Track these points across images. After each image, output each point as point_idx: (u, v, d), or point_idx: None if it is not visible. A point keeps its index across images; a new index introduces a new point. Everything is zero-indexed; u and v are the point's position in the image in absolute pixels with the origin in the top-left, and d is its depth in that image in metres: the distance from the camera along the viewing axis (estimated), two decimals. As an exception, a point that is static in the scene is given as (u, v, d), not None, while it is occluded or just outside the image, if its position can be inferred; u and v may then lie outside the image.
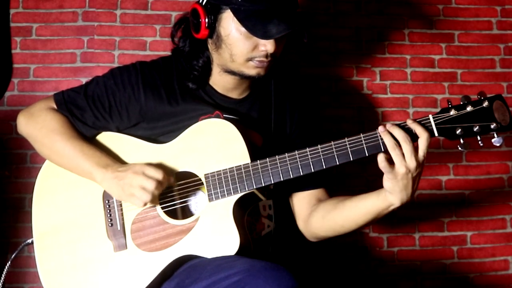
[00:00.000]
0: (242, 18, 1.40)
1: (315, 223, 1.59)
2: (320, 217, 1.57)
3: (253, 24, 1.39)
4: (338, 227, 1.53)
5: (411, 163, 1.29)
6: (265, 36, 1.39)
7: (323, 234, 1.59)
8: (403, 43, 2.33)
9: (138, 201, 1.41)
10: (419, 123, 1.33)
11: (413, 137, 1.32)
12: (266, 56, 1.46)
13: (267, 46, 1.43)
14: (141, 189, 1.40)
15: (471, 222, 2.28)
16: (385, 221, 2.23)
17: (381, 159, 1.31)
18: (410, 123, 1.33)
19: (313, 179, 1.61)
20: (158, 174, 1.42)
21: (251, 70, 1.50)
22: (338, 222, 1.52)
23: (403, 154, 1.29)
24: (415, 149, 1.30)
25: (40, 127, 1.56)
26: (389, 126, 1.32)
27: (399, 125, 1.32)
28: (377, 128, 1.34)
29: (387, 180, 1.33)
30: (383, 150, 1.34)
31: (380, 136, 1.34)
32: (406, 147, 1.29)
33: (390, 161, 1.31)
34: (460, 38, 2.35)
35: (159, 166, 1.48)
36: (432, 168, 2.28)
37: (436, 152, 2.28)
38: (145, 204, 1.43)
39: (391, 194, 1.35)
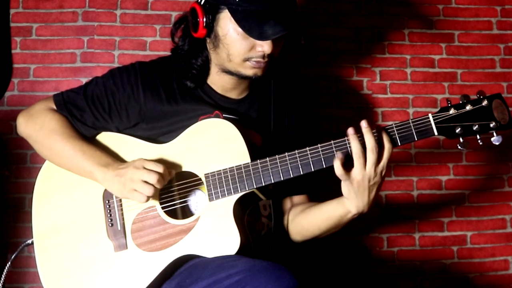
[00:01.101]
0: (239, 18, 1.40)
1: (288, 226, 1.66)
2: (290, 220, 1.65)
3: (250, 25, 1.39)
4: (304, 231, 1.60)
5: (370, 171, 1.32)
6: (261, 37, 1.39)
7: (295, 237, 1.65)
8: (403, 43, 2.33)
9: (140, 196, 1.41)
10: (386, 132, 1.34)
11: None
12: (263, 56, 1.46)
13: (264, 46, 1.43)
14: (143, 183, 1.40)
15: (471, 222, 2.28)
16: (385, 221, 2.24)
17: (337, 166, 1.32)
18: (378, 131, 1.34)
19: (296, 186, 1.66)
20: (159, 168, 1.42)
21: (248, 70, 1.50)
22: (303, 226, 1.59)
23: (365, 163, 1.31)
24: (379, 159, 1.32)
25: (40, 127, 1.56)
26: (364, 128, 1.31)
27: (371, 132, 1.32)
28: (348, 131, 1.34)
29: (343, 185, 1.37)
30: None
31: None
32: (371, 157, 1.31)
33: (345, 166, 1.33)
34: (460, 38, 2.35)
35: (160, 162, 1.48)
36: (432, 168, 2.28)
37: (436, 152, 2.28)
38: (148, 199, 1.42)
39: (347, 200, 1.39)
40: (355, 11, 2.33)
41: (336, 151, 1.38)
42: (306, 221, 1.57)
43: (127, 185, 1.42)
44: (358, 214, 1.41)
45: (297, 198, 1.70)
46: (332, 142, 1.38)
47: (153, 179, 1.40)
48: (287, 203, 1.70)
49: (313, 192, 1.71)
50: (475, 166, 2.30)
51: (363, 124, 1.32)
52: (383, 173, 1.34)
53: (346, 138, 1.37)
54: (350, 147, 1.35)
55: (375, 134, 1.32)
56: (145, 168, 1.42)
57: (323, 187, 1.74)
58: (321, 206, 1.52)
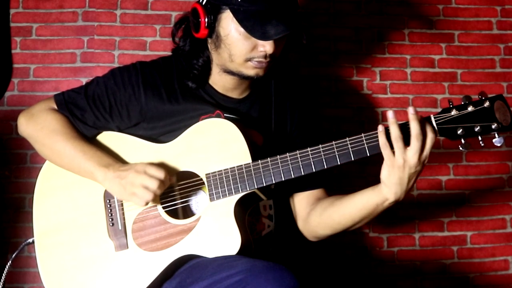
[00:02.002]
0: (241, 18, 1.40)
1: (313, 222, 1.59)
2: (318, 215, 1.57)
3: (252, 25, 1.39)
4: (335, 224, 1.53)
5: (413, 159, 1.29)
6: (263, 37, 1.39)
7: (322, 232, 1.59)
8: (403, 43, 2.33)
9: (139, 200, 1.41)
10: (429, 122, 1.32)
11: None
12: (265, 56, 1.46)
13: (266, 47, 1.43)
14: (143, 188, 1.40)
15: (471, 222, 2.28)
16: (385, 221, 2.24)
17: (382, 140, 1.31)
18: (421, 121, 1.31)
19: (313, 179, 1.61)
20: (160, 174, 1.42)
21: (250, 70, 1.50)
22: (335, 219, 1.52)
23: (405, 147, 1.29)
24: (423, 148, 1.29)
25: (41, 127, 1.56)
26: (411, 115, 1.29)
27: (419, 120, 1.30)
28: (388, 113, 1.32)
29: (384, 168, 1.33)
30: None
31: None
32: (416, 143, 1.28)
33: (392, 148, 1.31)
34: (460, 38, 2.35)
35: (161, 166, 1.48)
36: (432, 168, 2.28)
37: (436, 152, 2.28)
38: (147, 204, 1.43)
39: (386, 186, 1.35)
40: (355, 11, 2.33)
41: (337, 151, 1.37)
42: (338, 213, 1.51)
43: (127, 188, 1.42)
44: (395, 201, 1.37)
45: (320, 193, 1.65)
46: (333, 142, 1.38)
47: (153, 185, 1.40)
48: (305, 200, 1.65)
49: (330, 186, 1.68)
50: (475, 166, 2.30)
51: (411, 110, 1.29)
52: (426, 161, 1.31)
53: (347, 138, 1.37)
54: (368, 145, 1.34)
55: (420, 122, 1.29)
56: (146, 173, 1.42)
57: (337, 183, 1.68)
58: (354, 196, 1.46)
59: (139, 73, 1.57)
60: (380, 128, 1.31)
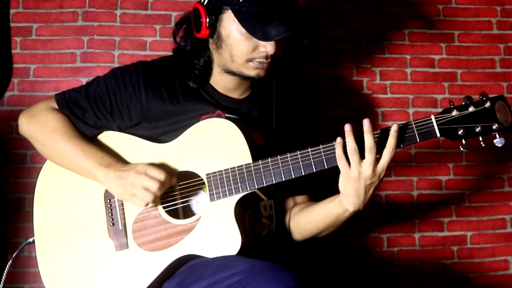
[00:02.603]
0: (243, 19, 1.40)
1: (289, 226, 1.66)
2: (289, 220, 1.66)
3: (253, 26, 1.39)
4: (302, 230, 1.61)
5: (367, 171, 1.31)
6: (264, 38, 1.39)
7: (295, 236, 1.66)
8: (403, 43, 2.33)
9: (140, 201, 1.42)
10: (395, 135, 1.31)
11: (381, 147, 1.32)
12: (266, 57, 1.46)
13: (267, 47, 1.43)
14: (144, 189, 1.40)
15: (471, 222, 2.28)
16: (385, 221, 2.24)
17: (339, 152, 1.33)
18: (382, 131, 1.34)
19: (298, 186, 1.66)
20: (161, 175, 1.42)
21: (251, 71, 1.50)
22: (302, 225, 1.60)
23: (361, 160, 1.31)
24: (378, 159, 1.32)
25: (41, 127, 1.56)
26: (366, 127, 1.30)
27: (372, 132, 1.31)
28: (345, 126, 1.33)
29: (340, 179, 1.37)
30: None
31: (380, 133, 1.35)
32: (369, 156, 1.31)
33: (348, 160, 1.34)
34: (460, 38, 2.35)
35: (162, 166, 1.48)
36: (432, 168, 2.28)
37: (436, 152, 2.28)
38: (147, 205, 1.43)
39: (344, 197, 1.39)
40: (355, 11, 2.33)
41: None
42: (305, 220, 1.58)
43: (127, 189, 1.43)
44: (354, 212, 1.41)
45: (298, 198, 1.70)
46: (334, 142, 1.38)
47: (154, 186, 1.40)
48: (289, 203, 1.71)
49: (314, 192, 1.71)
50: (475, 166, 2.30)
51: (366, 123, 1.31)
52: (382, 175, 1.34)
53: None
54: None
55: (376, 135, 1.33)
56: (147, 174, 1.42)
57: (325, 187, 1.74)
58: (319, 205, 1.53)
59: (140, 73, 1.57)
60: (338, 140, 1.34)
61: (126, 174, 1.43)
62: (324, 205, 1.50)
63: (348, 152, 1.32)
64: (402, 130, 1.34)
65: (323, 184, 1.75)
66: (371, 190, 1.36)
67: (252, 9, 1.39)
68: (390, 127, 1.32)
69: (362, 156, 1.32)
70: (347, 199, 1.38)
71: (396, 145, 1.32)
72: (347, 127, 1.32)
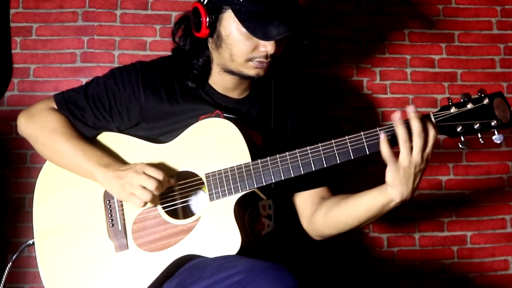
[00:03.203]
0: (243, 18, 1.40)
1: (318, 221, 1.59)
2: (323, 214, 1.57)
3: (254, 25, 1.39)
4: (341, 224, 1.53)
5: (417, 158, 1.28)
6: (265, 38, 1.39)
7: (327, 232, 1.59)
8: (403, 43, 2.33)
9: (138, 201, 1.41)
10: (429, 119, 1.31)
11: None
12: (266, 56, 1.46)
13: (267, 47, 1.43)
14: (142, 188, 1.40)
15: (471, 222, 2.28)
16: (385, 221, 2.24)
17: (385, 147, 1.29)
18: (422, 118, 1.30)
19: (316, 177, 1.61)
20: (159, 174, 1.42)
21: (251, 70, 1.50)
22: (340, 219, 1.52)
23: (411, 148, 1.28)
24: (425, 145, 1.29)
25: (41, 127, 1.56)
26: (411, 113, 1.27)
27: (420, 117, 1.28)
28: (393, 115, 1.29)
29: (388, 171, 1.32)
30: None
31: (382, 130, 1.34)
32: (418, 141, 1.27)
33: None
34: (460, 38, 2.35)
35: (160, 166, 1.48)
36: (432, 168, 2.28)
37: (436, 152, 2.28)
38: (145, 204, 1.43)
39: (391, 188, 1.34)
40: (355, 11, 2.33)
41: (336, 150, 1.37)
42: (344, 213, 1.50)
43: (126, 188, 1.42)
44: (401, 202, 1.37)
45: (324, 192, 1.65)
46: (333, 141, 1.38)
47: (152, 185, 1.40)
48: (309, 198, 1.65)
49: (333, 184, 1.68)
50: (475, 166, 2.30)
51: (410, 109, 1.27)
52: (428, 159, 1.31)
53: (346, 137, 1.37)
54: (367, 143, 1.34)
55: (422, 120, 1.28)
56: (145, 173, 1.42)
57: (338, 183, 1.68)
58: (360, 197, 1.46)
59: (138, 73, 1.58)
60: (383, 138, 1.29)
61: (125, 173, 1.43)
62: (367, 197, 1.43)
63: (400, 142, 1.27)
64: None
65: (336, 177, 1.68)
66: (418, 177, 1.33)
67: (252, 9, 1.39)
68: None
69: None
70: (396, 189, 1.33)
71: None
72: (397, 115, 1.28)
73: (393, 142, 1.31)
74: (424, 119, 1.30)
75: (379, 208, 1.41)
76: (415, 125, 1.27)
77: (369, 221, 1.49)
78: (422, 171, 1.33)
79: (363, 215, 1.46)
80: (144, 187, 1.40)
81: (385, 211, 1.42)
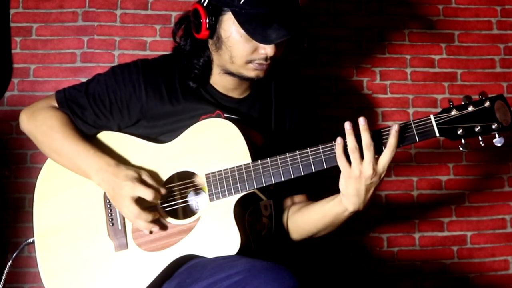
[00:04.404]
0: (243, 21, 1.40)
1: (287, 225, 1.65)
2: (287, 219, 1.65)
3: (254, 28, 1.39)
4: (300, 230, 1.60)
5: (367, 170, 1.31)
6: (264, 41, 1.39)
7: (293, 235, 1.65)
8: (403, 43, 2.33)
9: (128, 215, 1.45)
10: (396, 135, 1.31)
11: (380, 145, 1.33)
12: (266, 59, 1.46)
13: (267, 49, 1.43)
14: (127, 211, 1.43)
15: (471, 222, 2.28)
16: (385, 221, 2.24)
17: (339, 152, 1.33)
18: (385, 131, 1.34)
19: (297, 185, 1.66)
20: (148, 197, 1.41)
21: (250, 72, 1.50)
22: (300, 224, 1.60)
23: (361, 158, 1.31)
24: (376, 159, 1.31)
25: (40, 124, 1.56)
26: (361, 126, 1.31)
27: (372, 131, 1.32)
28: (345, 124, 1.33)
29: (341, 178, 1.37)
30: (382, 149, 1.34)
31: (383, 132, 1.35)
32: (368, 154, 1.30)
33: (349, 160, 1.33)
34: (460, 38, 2.35)
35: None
36: (432, 168, 2.28)
37: (436, 152, 2.28)
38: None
39: (344, 197, 1.39)
40: (355, 11, 2.33)
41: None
42: (303, 219, 1.58)
43: (116, 200, 1.45)
44: (354, 212, 1.41)
45: (296, 198, 1.70)
46: (333, 142, 1.38)
47: (133, 214, 1.42)
48: (287, 202, 1.70)
49: (312, 192, 1.71)
50: (475, 166, 2.30)
51: (361, 121, 1.31)
52: (382, 174, 1.34)
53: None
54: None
55: (376, 134, 1.33)
56: (132, 197, 1.41)
57: (324, 187, 1.74)
58: (318, 204, 1.52)
59: (140, 71, 1.57)
60: (339, 140, 1.34)
61: (117, 186, 1.43)
62: (323, 204, 1.50)
63: (349, 151, 1.32)
64: (402, 130, 1.33)
65: (321, 184, 1.75)
66: (371, 190, 1.36)
67: (252, 12, 1.38)
68: (391, 127, 1.32)
69: (362, 155, 1.32)
70: (348, 198, 1.38)
71: (397, 145, 1.31)
72: (347, 126, 1.32)
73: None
74: (385, 132, 1.33)
75: (333, 216, 1.47)
76: (364, 137, 1.30)
77: (327, 229, 1.54)
78: (376, 184, 1.35)
79: (319, 222, 1.52)
80: (130, 211, 1.42)
81: (340, 219, 1.47)
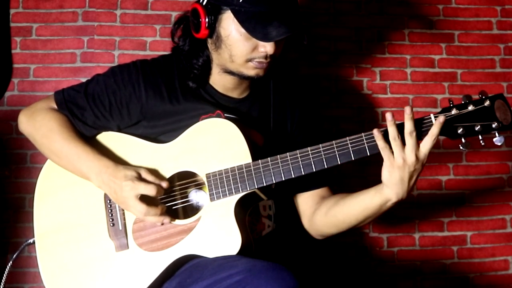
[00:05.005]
0: (243, 19, 1.40)
1: (318, 221, 1.60)
2: (323, 214, 1.58)
3: (253, 26, 1.39)
4: (340, 223, 1.54)
5: (410, 157, 1.29)
6: (265, 39, 1.39)
7: (327, 231, 1.60)
8: (403, 43, 2.33)
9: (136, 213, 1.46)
10: (440, 125, 1.30)
11: (420, 134, 1.32)
12: (266, 57, 1.46)
13: (267, 47, 1.43)
14: (135, 211, 1.44)
15: (471, 222, 2.28)
16: (385, 221, 2.24)
17: (382, 144, 1.31)
18: (427, 121, 1.32)
19: (317, 178, 1.62)
20: (151, 192, 1.42)
21: (250, 70, 1.50)
22: (339, 218, 1.53)
23: (403, 146, 1.29)
24: (418, 145, 1.30)
25: (39, 125, 1.56)
26: (407, 115, 1.30)
27: (413, 119, 1.31)
28: (387, 114, 1.31)
29: (384, 168, 1.34)
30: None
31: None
32: (409, 141, 1.29)
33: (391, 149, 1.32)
34: (460, 38, 2.35)
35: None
36: (432, 168, 2.28)
37: (436, 152, 2.28)
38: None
39: (387, 187, 1.35)
40: (355, 11, 2.33)
41: (337, 151, 1.37)
42: (343, 212, 1.52)
43: (119, 201, 1.46)
44: (397, 201, 1.38)
45: (324, 192, 1.66)
46: (333, 142, 1.38)
47: (140, 211, 1.43)
48: (310, 198, 1.66)
49: (334, 184, 1.69)
50: (475, 166, 2.30)
51: (408, 110, 1.29)
52: (424, 161, 1.32)
53: (347, 138, 1.37)
54: (368, 145, 1.35)
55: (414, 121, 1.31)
56: (136, 197, 1.42)
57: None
58: (358, 197, 1.47)
59: (139, 71, 1.57)
60: (376, 132, 1.32)
61: (118, 186, 1.44)
62: (364, 197, 1.45)
63: (390, 139, 1.30)
64: (401, 129, 1.32)
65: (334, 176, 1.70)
66: (414, 177, 1.34)
67: (251, 10, 1.39)
68: (432, 118, 1.32)
69: (403, 143, 1.30)
70: (391, 188, 1.35)
71: (438, 134, 1.30)
72: (389, 116, 1.30)
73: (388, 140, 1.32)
74: (422, 120, 1.32)
75: (376, 208, 1.42)
76: (407, 125, 1.29)
77: (368, 220, 1.50)
78: (418, 171, 1.33)
79: (361, 214, 1.47)
80: (136, 210, 1.44)
81: (382, 210, 1.43)
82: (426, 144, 1.30)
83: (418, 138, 1.31)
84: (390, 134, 1.30)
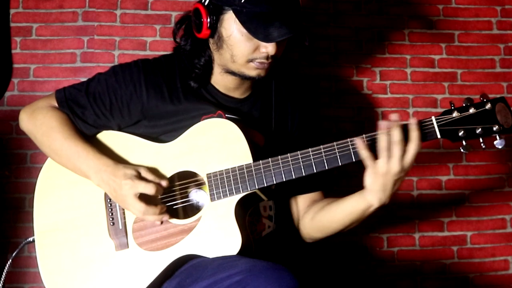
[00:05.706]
0: (244, 20, 1.40)
1: (306, 224, 1.64)
2: (310, 218, 1.62)
3: (255, 27, 1.39)
4: (325, 228, 1.58)
5: (395, 166, 1.30)
6: (266, 39, 1.39)
7: (314, 235, 1.64)
8: (403, 43, 2.33)
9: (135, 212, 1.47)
10: (420, 128, 1.31)
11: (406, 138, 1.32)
12: (267, 57, 1.46)
13: (268, 48, 1.43)
14: (134, 209, 1.44)
15: (471, 222, 2.28)
16: (385, 221, 2.24)
17: (365, 154, 1.32)
18: (411, 124, 1.32)
19: (311, 182, 1.65)
20: (150, 191, 1.43)
21: (252, 71, 1.50)
22: (324, 223, 1.57)
23: (390, 156, 1.30)
24: (404, 154, 1.31)
25: (40, 124, 1.56)
26: (395, 122, 1.30)
27: (401, 126, 1.31)
28: (379, 123, 1.32)
29: (368, 176, 1.35)
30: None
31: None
32: (397, 150, 1.30)
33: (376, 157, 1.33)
34: (460, 38, 2.35)
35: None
36: (432, 168, 2.28)
37: (436, 152, 2.28)
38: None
39: (370, 193, 1.38)
40: (355, 11, 2.33)
41: (338, 152, 1.38)
42: (327, 218, 1.55)
43: (119, 200, 1.46)
44: (379, 207, 1.40)
45: (313, 196, 1.68)
46: (334, 143, 1.38)
47: (139, 209, 1.43)
48: (301, 201, 1.68)
49: (328, 188, 1.71)
50: (475, 166, 2.30)
51: (394, 117, 1.31)
52: (408, 168, 1.33)
53: (349, 140, 1.37)
54: (368, 144, 1.35)
55: (402, 129, 1.31)
56: (135, 195, 1.43)
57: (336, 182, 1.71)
58: (342, 202, 1.50)
59: (140, 70, 1.57)
60: (359, 143, 1.33)
61: (118, 187, 1.44)
62: (348, 202, 1.48)
63: (380, 149, 1.31)
64: (404, 131, 1.32)
65: (334, 180, 1.72)
66: (397, 184, 1.35)
67: (253, 10, 1.39)
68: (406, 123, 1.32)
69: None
70: (374, 194, 1.37)
71: (420, 138, 1.30)
72: (382, 125, 1.31)
73: (373, 148, 1.34)
74: (405, 127, 1.31)
75: (359, 213, 1.46)
76: (397, 134, 1.29)
77: (353, 225, 1.53)
78: (402, 179, 1.35)
79: (345, 219, 1.51)
80: (135, 209, 1.44)
81: (366, 215, 1.46)
82: (411, 150, 1.31)
83: (422, 140, 1.31)
84: (381, 144, 1.31)
